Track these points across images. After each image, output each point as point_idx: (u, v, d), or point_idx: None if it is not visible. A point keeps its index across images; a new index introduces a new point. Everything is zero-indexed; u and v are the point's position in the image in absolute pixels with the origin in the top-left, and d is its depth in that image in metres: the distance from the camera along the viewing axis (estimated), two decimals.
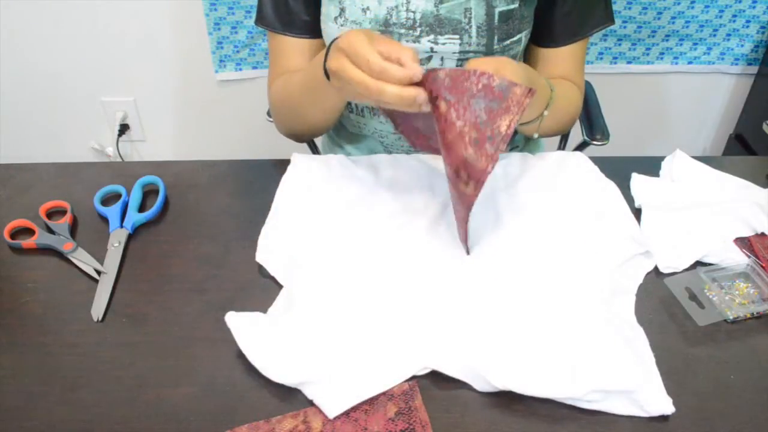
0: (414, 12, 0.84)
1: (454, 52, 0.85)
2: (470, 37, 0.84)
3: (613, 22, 0.91)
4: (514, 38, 0.86)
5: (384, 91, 0.65)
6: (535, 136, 0.90)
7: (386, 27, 0.85)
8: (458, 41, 0.84)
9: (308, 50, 0.93)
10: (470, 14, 0.83)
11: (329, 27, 0.87)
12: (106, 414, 0.61)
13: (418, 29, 0.84)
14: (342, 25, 0.85)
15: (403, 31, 0.84)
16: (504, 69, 0.67)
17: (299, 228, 0.78)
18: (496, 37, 0.84)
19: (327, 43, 0.91)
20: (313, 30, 0.91)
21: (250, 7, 1.62)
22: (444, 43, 0.85)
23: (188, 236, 0.81)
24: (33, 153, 1.90)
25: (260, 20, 0.93)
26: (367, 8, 0.84)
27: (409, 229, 0.78)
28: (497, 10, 0.83)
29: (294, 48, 0.92)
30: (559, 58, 0.92)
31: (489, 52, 0.85)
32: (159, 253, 0.78)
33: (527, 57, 0.96)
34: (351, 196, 0.83)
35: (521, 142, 1.07)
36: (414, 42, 0.85)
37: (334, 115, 0.89)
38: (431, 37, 0.84)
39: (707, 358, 0.66)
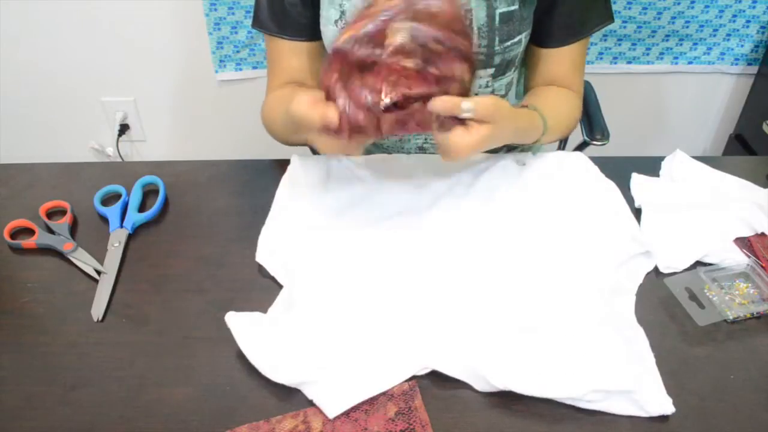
0: None
1: None
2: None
3: (612, 20, 0.90)
4: (515, 39, 0.86)
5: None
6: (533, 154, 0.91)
7: None
8: None
9: (306, 52, 0.92)
10: (471, 16, 0.83)
11: (329, 30, 0.87)
12: (106, 414, 0.61)
13: None
14: (342, 28, 0.85)
15: None
16: (500, 112, 0.68)
17: (299, 228, 0.78)
18: (497, 39, 0.84)
19: (327, 46, 0.91)
20: (311, 32, 0.90)
21: (249, 7, 1.62)
22: None
23: (188, 236, 0.81)
24: (33, 153, 1.90)
25: (256, 23, 0.92)
26: None
27: (409, 229, 0.78)
28: (498, 12, 0.83)
29: (292, 51, 0.92)
30: (559, 59, 0.92)
31: (490, 53, 0.85)
32: (159, 253, 0.78)
33: (527, 57, 0.96)
34: (350, 196, 0.83)
35: None
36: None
37: None
38: None
39: (707, 358, 0.66)
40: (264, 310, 0.69)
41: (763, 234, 0.78)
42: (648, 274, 0.75)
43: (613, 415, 0.61)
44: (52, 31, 1.68)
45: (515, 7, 0.83)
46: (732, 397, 0.63)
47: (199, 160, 0.92)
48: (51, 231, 0.80)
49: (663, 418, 0.60)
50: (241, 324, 0.66)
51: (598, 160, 0.88)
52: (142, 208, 0.84)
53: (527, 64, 0.97)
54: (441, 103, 0.65)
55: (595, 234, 0.77)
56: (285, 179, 0.85)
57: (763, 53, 1.74)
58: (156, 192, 0.86)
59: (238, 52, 1.72)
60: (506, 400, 0.62)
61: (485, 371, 0.61)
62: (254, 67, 1.76)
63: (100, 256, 0.77)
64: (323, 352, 0.64)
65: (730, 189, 0.85)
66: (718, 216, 0.80)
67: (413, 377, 0.63)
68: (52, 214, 0.84)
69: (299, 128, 0.70)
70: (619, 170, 0.86)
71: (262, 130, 1.03)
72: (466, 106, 0.66)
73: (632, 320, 0.69)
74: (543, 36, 0.90)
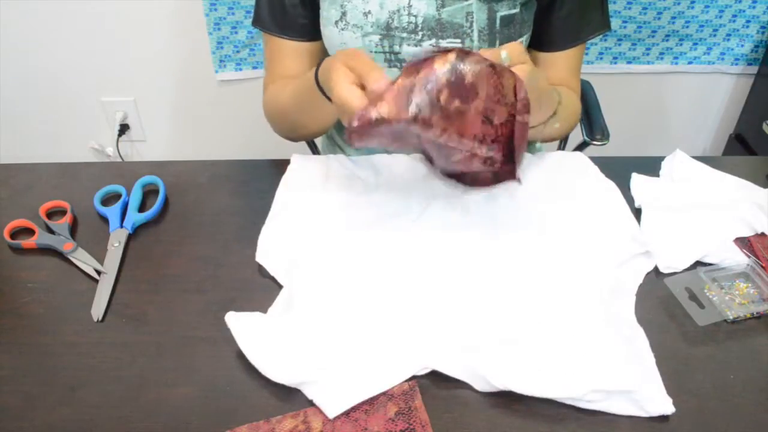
0: (416, 16, 0.83)
1: None
2: (472, 41, 0.84)
3: (609, 28, 0.92)
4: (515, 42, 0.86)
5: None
6: (537, 146, 0.91)
7: (388, 31, 0.84)
8: (460, 45, 0.84)
9: (305, 53, 0.92)
10: (472, 18, 0.83)
11: (330, 30, 0.87)
12: (106, 414, 0.61)
13: (420, 33, 0.84)
14: (343, 29, 0.85)
15: (404, 35, 0.84)
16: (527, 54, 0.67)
17: (299, 228, 0.78)
18: (497, 42, 0.84)
19: (328, 47, 0.91)
20: (310, 33, 0.90)
21: (250, 7, 1.62)
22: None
23: (188, 236, 0.81)
24: (33, 153, 1.90)
25: (257, 22, 0.92)
26: (369, 12, 0.84)
27: (408, 229, 0.78)
28: (499, 15, 0.83)
29: (290, 51, 0.92)
30: (557, 62, 0.92)
31: None
32: (159, 253, 0.78)
33: None
34: (351, 196, 0.83)
35: None
36: (416, 46, 0.85)
37: (328, 124, 0.89)
38: (433, 41, 0.84)
39: (707, 358, 0.66)
40: (264, 310, 0.69)
41: (763, 234, 0.78)
42: (648, 274, 0.75)
43: (613, 415, 0.61)
44: (52, 31, 1.68)
45: (516, 10, 0.84)
46: (732, 397, 0.63)
47: (199, 160, 0.92)
48: (51, 231, 0.80)
49: (663, 418, 0.60)
50: (241, 324, 0.66)
51: (598, 160, 0.88)
52: (142, 208, 0.84)
53: None
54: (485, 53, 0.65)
55: (595, 234, 0.77)
56: (285, 179, 0.85)
57: (763, 53, 1.74)
58: (156, 192, 0.86)
59: (238, 52, 1.72)
60: (506, 400, 0.62)
61: (485, 371, 0.61)
62: (254, 67, 1.76)
63: (100, 256, 0.77)
64: (323, 352, 0.64)
65: (730, 189, 0.85)
66: (718, 216, 0.80)
67: (413, 377, 0.63)
68: (52, 214, 0.84)
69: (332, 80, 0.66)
70: (619, 170, 0.86)
71: (262, 130, 1.03)
72: (504, 53, 0.65)
73: (632, 320, 0.69)
74: (542, 40, 0.91)
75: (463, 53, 0.63)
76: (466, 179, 0.78)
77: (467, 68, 0.62)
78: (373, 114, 0.62)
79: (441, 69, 0.62)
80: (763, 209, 0.80)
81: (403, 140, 0.69)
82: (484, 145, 0.66)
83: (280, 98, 0.90)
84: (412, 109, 0.62)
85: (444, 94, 0.62)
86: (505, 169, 0.70)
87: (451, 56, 0.62)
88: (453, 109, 0.63)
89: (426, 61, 0.63)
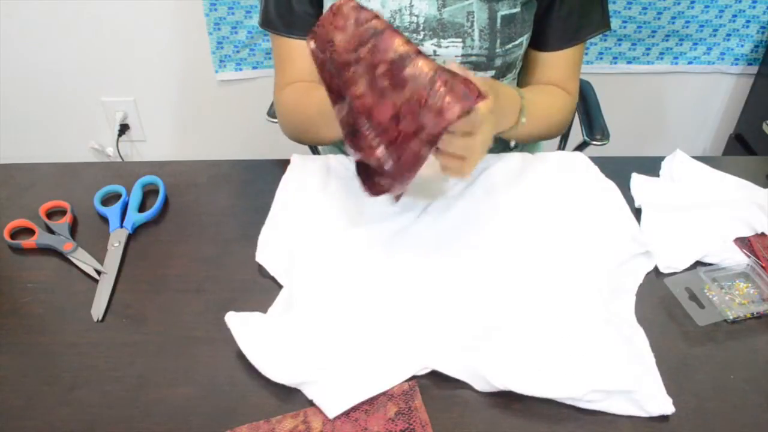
0: (417, 16, 0.84)
1: (457, 56, 0.85)
2: (473, 40, 0.84)
3: (608, 28, 0.91)
4: (516, 42, 0.86)
5: None
6: (512, 143, 0.90)
7: None
8: (461, 45, 0.84)
9: None
10: (473, 18, 0.83)
11: None
12: (106, 414, 0.61)
13: (422, 33, 0.84)
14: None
15: (406, 34, 0.84)
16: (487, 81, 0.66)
17: (299, 228, 0.78)
18: (498, 41, 0.85)
19: None
20: None
21: (250, 7, 1.62)
22: (447, 47, 0.85)
23: (188, 236, 0.81)
24: (33, 153, 1.90)
25: (265, 24, 0.92)
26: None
27: (409, 229, 0.78)
28: (499, 14, 0.83)
29: (301, 51, 0.92)
30: (556, 62, 0.92)
31: (491, 55, 0.85)
32: (159, 253, 0.78)
33: (524, 60, 0.96)
34: (350, 196, 0.83)
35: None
36: (417, 45, 0.85)
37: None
38: (434, 40, 0.85)
39: (707, 358, 0.66)
40: (264, 310, 0.69)
41: (763, 234, 0.78)
42: (648, 274, 0.75)
43: (613, 415, 0.61)
44: (53, 31, 1.68)
45: (517, 9, 0.84)
46: (732, 397, 0.63)
47: (199, 160, 0.92)
48: (51, 231, 0.80)
49: (663, 418, 0.60)
50: (241, 324, 0.66)
51: (598, 160, 0.88)
52: (142, 208, 0.84)
53: (523, 66, 0.97)
54: None
55: (595, 234, 0.77)
56: (285, 179, 0.85)
57: (763, 53, 1.74)
58: (156, 192, 0.86)
59: (238, 52, 1.72)
60: (506, 400, 0.62)
61: (485, 371, 0.61)
62: (254, 67, 1.76)
63: (100, 256, 0.77)
64: (323, 352, 0.64)
65: (730, 189, 0.85)
66: (718, 216, 0.80)
67: (413, 377, 0.63)
68: (52, 214, 0.84)
69: None
70: (619, 170, 0.86)
71: (262, 130, 1.02)
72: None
73: (632, 320, 0.69)
74: (540, 40, 0.91)
75: (424, 56, 0.63)
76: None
77: (409, 64, 0.62)
78: (328, 36, 0.65)
79: (397, 47, 0.63)
80: (763, 209, 0.80)
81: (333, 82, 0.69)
82: (382, 142, 0.66)
83: (303, 105, 0.89)
84: (354, 56, 0.64)
85: (381, 68, 0.63)
86: (384, 180, 0.69)
87: (412, 48, 0.63)
88: (380, 85, 0.63)
89: (396, 33, 0.63)
